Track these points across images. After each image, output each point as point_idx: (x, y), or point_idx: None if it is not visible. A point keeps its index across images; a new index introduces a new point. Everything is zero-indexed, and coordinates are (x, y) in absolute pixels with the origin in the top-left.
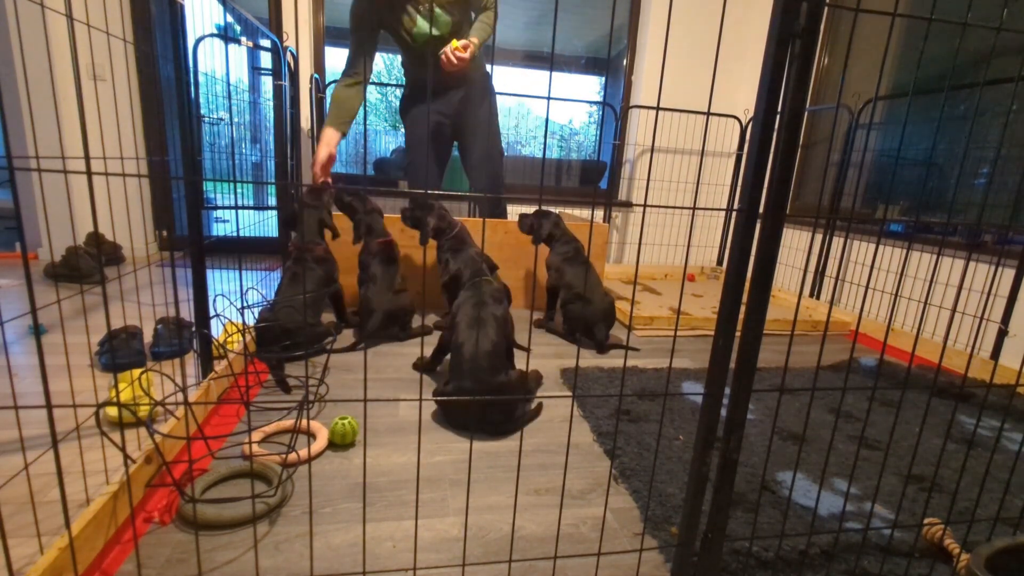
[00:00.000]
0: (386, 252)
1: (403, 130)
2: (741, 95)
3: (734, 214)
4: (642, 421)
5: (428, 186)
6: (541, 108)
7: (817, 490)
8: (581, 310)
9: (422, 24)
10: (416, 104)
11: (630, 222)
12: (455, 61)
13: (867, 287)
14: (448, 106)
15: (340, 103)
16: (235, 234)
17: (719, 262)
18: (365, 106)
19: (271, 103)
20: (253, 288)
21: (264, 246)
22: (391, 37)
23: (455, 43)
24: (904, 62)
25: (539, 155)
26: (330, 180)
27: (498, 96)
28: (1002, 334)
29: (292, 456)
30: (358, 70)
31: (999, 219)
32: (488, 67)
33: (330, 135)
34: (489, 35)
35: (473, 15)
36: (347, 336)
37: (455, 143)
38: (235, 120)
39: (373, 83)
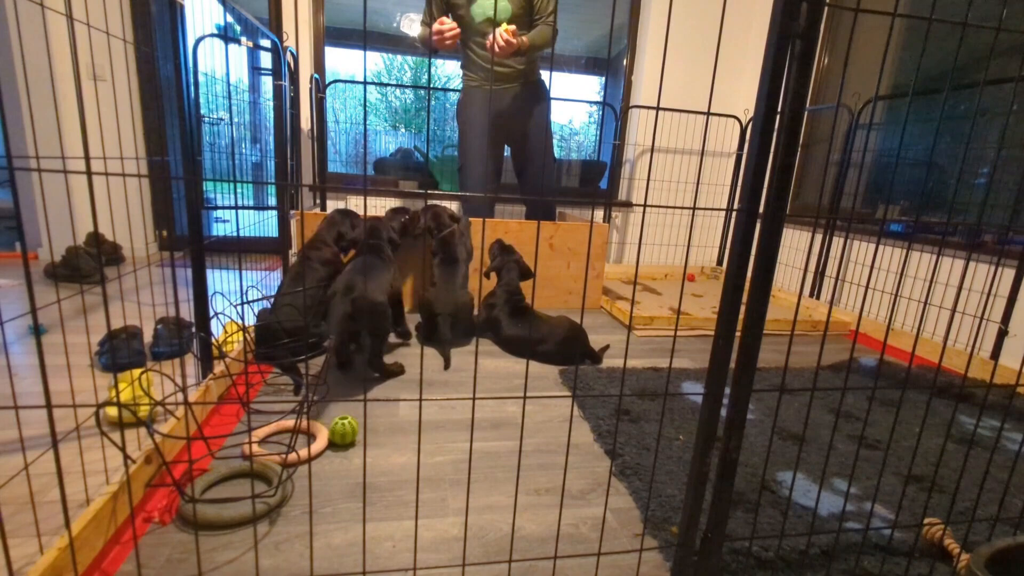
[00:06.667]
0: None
1: (403, 130)
2: (741, 95)
3: (734, 214)
4: (642, 421)
5: (480, 189)
6: None
7: (817, 490)
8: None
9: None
10: (472, 105)
11: (630, 222)
12: (502, 44)
13: (867, 287)
14: (504, 108)
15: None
16: (235, 234)
17: (719, 262)
18: (365, 106)
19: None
20: (253, 287)
21: (264, 246)
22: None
23: (506, 27)
24: (904, 62)
25: None
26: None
27: None
28: (1002, 334)
29: (292, 456)
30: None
31: (999, 219)
32: (546, 75)
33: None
34: (545, 41)
35: (537, 19)
36: None
37: (507, 146)
38: (235, 120)
39: (373, 83)
